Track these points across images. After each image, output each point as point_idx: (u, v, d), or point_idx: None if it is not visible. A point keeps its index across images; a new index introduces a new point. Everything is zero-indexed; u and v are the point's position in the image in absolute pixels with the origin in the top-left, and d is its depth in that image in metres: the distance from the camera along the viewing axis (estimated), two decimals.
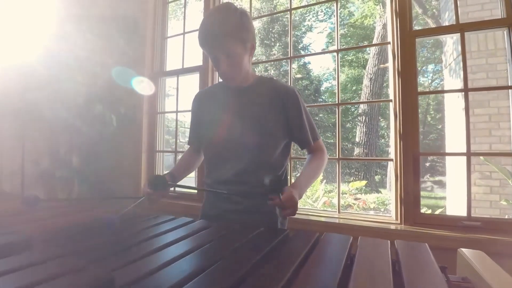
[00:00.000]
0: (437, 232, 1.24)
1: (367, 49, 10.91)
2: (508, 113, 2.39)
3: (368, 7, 7.64)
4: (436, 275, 0.49)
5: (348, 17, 7.72)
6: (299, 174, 0.99)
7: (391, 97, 1.45)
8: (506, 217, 2.60)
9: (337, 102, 1.63)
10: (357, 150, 8.44)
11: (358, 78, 9.95)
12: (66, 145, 1.98)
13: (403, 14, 1.38)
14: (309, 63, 8.79)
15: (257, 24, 6.53)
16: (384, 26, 7.82)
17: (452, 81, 3.35)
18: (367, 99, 8.20)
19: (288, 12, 1.91)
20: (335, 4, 1.69)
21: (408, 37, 1.37)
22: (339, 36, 1.71)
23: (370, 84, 8.21)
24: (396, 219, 1.39)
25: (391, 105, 1.45)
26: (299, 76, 8.26)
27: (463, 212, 1.30)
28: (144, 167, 2.05)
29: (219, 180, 1.00)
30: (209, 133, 1.04)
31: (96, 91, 1.91)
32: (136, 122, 2.04)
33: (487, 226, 1.22)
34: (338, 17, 1.69)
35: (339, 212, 1.53)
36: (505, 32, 1.27)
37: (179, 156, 1.54)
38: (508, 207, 2.53)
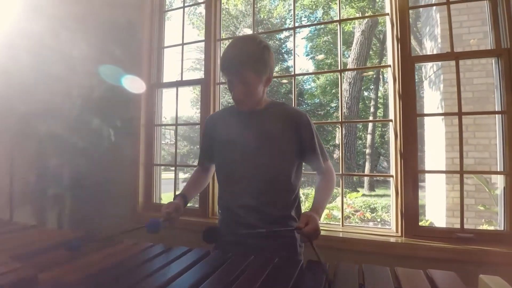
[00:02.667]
0: (435, 244, 1.34)
1: (346, 53, 11.28)
2: (482, 124, 2.62)
3: (347, 13, 7.89)
4: None
5: (332, 24, 7.96)
6: (315, 197, 1.03)
7: (391, 117, 1.54)
8: (493, 227, 2.85)
9: (340, 120, 1.70)
10: (337, 152, 8.76)
11: (337, 81, 10.27)
12: (58, 161, 1.89)
13: (403, 40, 1.47)
14: (291, 66, 8.97)
15: (243, 29, 6.55)
16: (363, 33, 8.18)
17: (432, 92, 3.59)
18: (346, 103, 8.53)
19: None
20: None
21: (408, 62, 1.46)
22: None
23: (349, 88, 8.54)
24: (397, 231, 1.48)
25: (391, 124, 1.54)
26: (285, 81, 8.39)
27: (442, 219, 1.42)
28: (142, 181, 2.00)
29: (236, 202, 1.01)
30: (223, 155, 1.07)
31: (91, 103, 1.84)
32: (133, 134, 1.98)
33: (478, 238, 1.34)
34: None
35: (342, 225, 1.60)
36: (493, 61, 1.40)
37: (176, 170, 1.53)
38: (485, 211, 2.78)
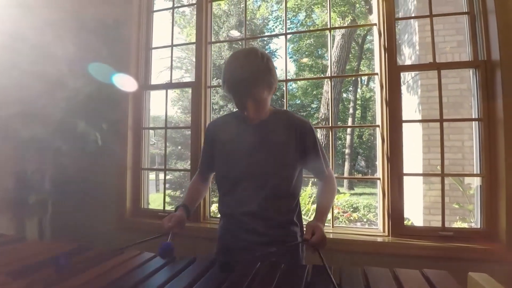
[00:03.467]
0: (419, 242, 1.43)
1: (326, 55, 11.56)
2: (456, 127, 2.81)
3: (327, 16, 8.10)
4: None
5: (312, 27, 8.14)
6: (318, 205, 1.07)
7: (378, 123, 1.62)
8: (466, 224, 3.05)
9: (331, 125, 1.76)
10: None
11: (318, 83, 10.51)
12: (40, 166, 1.80)
13: (390, 50, 1.55)
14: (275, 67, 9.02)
15: (230, 31, 6.51)
16: (343, 36, 8.42)
17: (410, 97, 3.78)
18: (327, 104, 8.74)
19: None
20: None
21: (394, 71, 1.55)
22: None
23: (330, 90, 8.77)
24: (384, 231, 1.56)
25: (378, 130, 1.62)
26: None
27: (419, 217, 1.52)
28: (129, 186, 1.95)
29: (241, 209, 1.02)
30: (228, 163, 1.06)
31: (76, 106, 1.76)
32: (120, 138, 1.93)
33: (458, 235, 1.44)
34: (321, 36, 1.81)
35: (332, 226, 1.66)
36: (471, 71, 1.52)
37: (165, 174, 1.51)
38: (459, 209, 2.98)
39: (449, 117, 3.07)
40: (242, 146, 1.04)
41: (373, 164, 11.60)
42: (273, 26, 9.03)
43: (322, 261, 0.77)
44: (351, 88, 11.26)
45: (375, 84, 1.67)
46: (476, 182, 1.49)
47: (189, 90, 1.91)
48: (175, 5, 2.10)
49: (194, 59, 1.93)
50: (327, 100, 8.86)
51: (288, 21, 8.73)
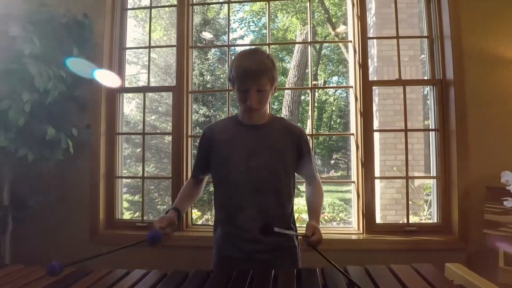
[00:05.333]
0: (389, 237, 1.62)
1: (285, 58, 11.96)
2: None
3: (290, 21, 8.41)
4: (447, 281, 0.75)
5: (275, 30, 8.36)
6: (312, 208, 1.13)
7: (353, 131, 1.78)
8: (418, 218, 3.44)
9: (311, 133, 1.87)
10: None
11: (278, 85, 10.83)
12: None
13: (364, 66, 1.72)
14: None
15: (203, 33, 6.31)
16: (305, 40, 8.83)
17: None
18: (289, 106, 9.09)
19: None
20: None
21: (367, 85, 1.72)
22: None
23: (291, 93, 9.14)
24: (358, 229, 1.72)
25: (352, 138, 1.78)
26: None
27: (377, 212, 1.73)
28: (103, 195, 1.83)
29: (243, 216, 1.02)
30: (228, 167, 1.06)
31: (43, 109, 1.60)
32: (92, 144, 1.80)
33: (420, 229, 1.66)
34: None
35: None
36: (428, 88, 1.76)
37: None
38: (412, 204, 3.39)
39: (400, 122, 3.47)
40: (242, 150, 1.05)
41: (329, 163, 12.36)
42: (238, 27, 9.07)
43: (321, 254, 0.86)
44: (308, 91, 11.85)
45: (350, 96, 1.83)
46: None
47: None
48: (153, 5, 2.01)
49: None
50: (288, 102, 9.25)
51: (252, 24, 8.86)
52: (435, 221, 1.69)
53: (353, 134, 1.78)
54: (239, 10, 8.44)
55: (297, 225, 1.17)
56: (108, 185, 1.85)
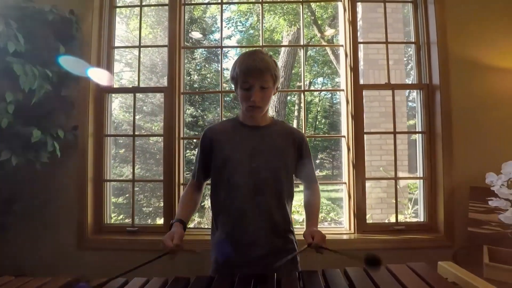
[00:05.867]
0: (380, 236, 1.67)
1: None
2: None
3: (277, 22, 8.45)
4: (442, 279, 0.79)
5: (263, 32, 8.39)
6: (310, 211, 1.14)
7: (344, 133, 1.82)
8: (402, 216, 3.55)
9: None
10: None
11: None
12: None
13: (355, 70, 1.76)
14: (226, 69, 9.02)
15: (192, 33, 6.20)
16: (290, 43, 8.92)
17: None
18: (275, 106, 9.14)
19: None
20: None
21: (358, 89, 1.76)
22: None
23: (278, 93, 9.25)
24: (350, 229, 1.77)
25: (343, 140, 1.82)
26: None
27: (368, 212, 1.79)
28: (91, 199, 1.76)
29: (246, 219, 1.02)
30: (229, 169, 1.04)
31: (28, 110, 1.53)
32: (79, 146, 1.74)
33: (408, 228, 1.72)
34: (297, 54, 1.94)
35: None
36: (415, 91, 1.82)
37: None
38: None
39: (387, 125, 3.58)
40: (243, 151, 1.05)
41: (314, 162, 12.54)
42: (225, 27, 8.99)
43: (331, 251, 0.89)
44: (295, 92, 11.96)
45: (341, 99, 1.86)
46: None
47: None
48: (143, 3, 1.96)
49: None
50: (274, 102, 9.32)
51: (239, 24, 8.83)
52: (422, 220, 1.76)
53: (344, 136, 1.82)
54: (226, 10, 8.39)
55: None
56: (96, 189, 1.79)
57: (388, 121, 3.51)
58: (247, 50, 1.12)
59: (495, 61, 1.65)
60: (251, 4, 6.20)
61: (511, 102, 1.64)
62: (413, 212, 3.36)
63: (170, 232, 0.96)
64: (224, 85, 2.28)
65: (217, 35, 7.49)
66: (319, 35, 8.00)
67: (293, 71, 10.00)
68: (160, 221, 1.74)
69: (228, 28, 8.35)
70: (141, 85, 1.93)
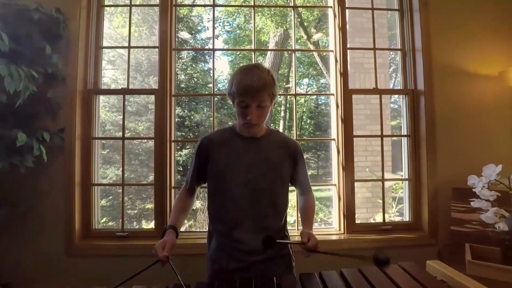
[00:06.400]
0: (369, 236, 1.73)
1: (260, 60, 12.05)
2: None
3: (263, 23, 8.49)
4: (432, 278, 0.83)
5: (249, 31, 8.41)
6: (306, 216, 1.17)
7: (334, 136, 1.87)
8: (387, 215, 3.66)
9: (295, 139, 1.92)
10: None
11: None
12: None
13: (344, 75, 1.81)
14: (210, 69, 8.97)
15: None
16: (277, 44, 8.98)
17: None
18: None
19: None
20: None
21: (348, 93, 1.81)
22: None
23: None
24: (339, 230, 1.82)
25: (333, 143, 1.87)
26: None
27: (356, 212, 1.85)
28: (78, 204, 1.71)
29: (240, 228, 1.04)
30: (225, 178, 1.06)
31: (12, 112, 1.47)
32: (66, 150, 1.68)
33: (395, 228, 1.80)
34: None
35: (297, 229, 1.84)
36: (402, 96, 1.90)
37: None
38: (380, 202, 3.63)
39: (372, 127, 3.70)
40: (240, 163, 1.07)
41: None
42: (212, 26, 8.91)
43: (324, 253, 0.92)
44: (289, 97, 12.07)
45: (331, 103, 1.91)
46: (406, 185, 1.87)
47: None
48: (133, 3, 1.93)
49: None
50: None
51: (227, 24, 8.80)
52: (407, 219, 1.84)
53: (334, 140, 1.87)
54: (210, 8, 8.36)
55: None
56: (84, 193, 1.74)
57: (373, 123, 3.63)
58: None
59: (478, 68, 1.75)
60: (238, 4, 6.19)
61: (492, 107, 1.75)
62: (397, 211, 3.48)
63: (162, 241, 0.97)
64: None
65: (204, 35, 7.45)
66: (305, 37, 8.12)
67: (279, 72, 10.09)
68: (147, 224, 1.71)
69: (215, 28, 8.32)
70: (127, 83, 1.89)
